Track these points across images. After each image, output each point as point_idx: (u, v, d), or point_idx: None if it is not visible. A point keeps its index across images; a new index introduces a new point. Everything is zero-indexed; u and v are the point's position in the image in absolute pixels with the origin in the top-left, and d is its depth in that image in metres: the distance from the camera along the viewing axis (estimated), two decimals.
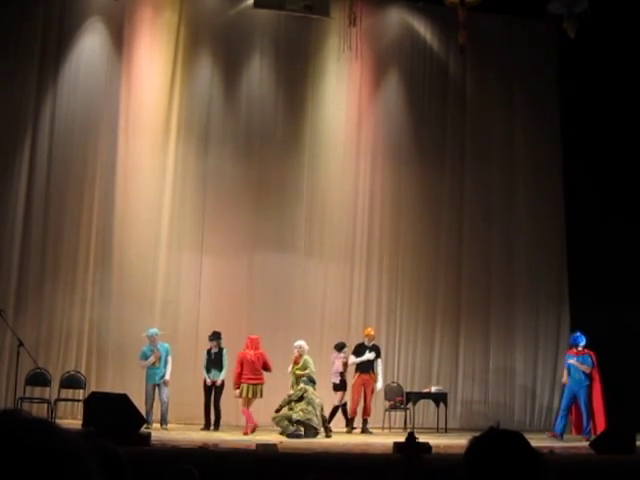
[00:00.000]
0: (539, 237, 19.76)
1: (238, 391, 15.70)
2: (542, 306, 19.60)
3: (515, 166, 20.03)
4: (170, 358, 16.20)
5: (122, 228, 17.82)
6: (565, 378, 16.58)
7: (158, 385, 16.06)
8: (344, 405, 17.04)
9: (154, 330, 16.22)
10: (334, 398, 16.82)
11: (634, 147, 18.85)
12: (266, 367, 15.73)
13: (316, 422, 15.20)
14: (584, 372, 16.16)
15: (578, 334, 16.68)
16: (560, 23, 16.89)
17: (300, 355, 15.85)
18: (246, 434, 15.19)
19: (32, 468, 1.38)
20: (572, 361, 16.34)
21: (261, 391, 15.63)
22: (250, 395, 15.56)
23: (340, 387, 16.91)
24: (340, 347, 17.16)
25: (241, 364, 15.71)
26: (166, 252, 18.01)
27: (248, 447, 11.53)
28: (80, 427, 11.98)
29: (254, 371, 15.61)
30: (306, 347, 15.97)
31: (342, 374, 17.02)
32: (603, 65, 18.84)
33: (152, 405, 15.88)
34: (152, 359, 15.97)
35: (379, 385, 17.09)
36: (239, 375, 15.69)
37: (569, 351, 16.74)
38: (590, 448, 12.35)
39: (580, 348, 16.34)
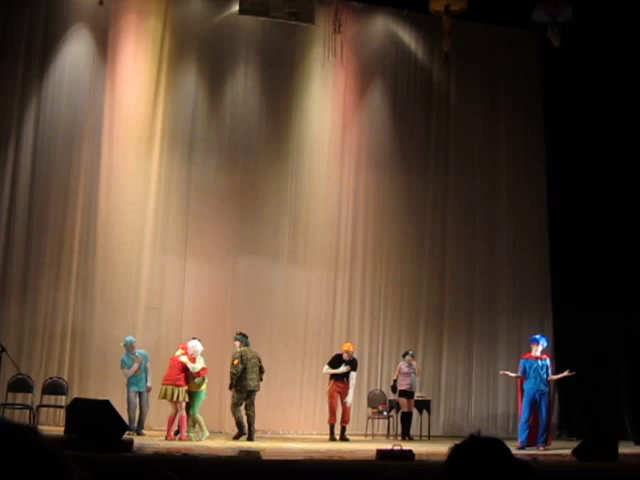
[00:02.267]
0: (522, 244, 19.83)
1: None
2: (525, 313, 19.64)
3: (499, 172, 20.10)
4: (149, 364, 16.16)
5: (105, 234, 17.77)
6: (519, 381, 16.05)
7: (140, 393, 16.00)
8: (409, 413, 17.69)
9: (131, 338, 16.17)
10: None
11: (617, 153, 18.96)
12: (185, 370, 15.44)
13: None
14: (546, 378, 15.70)
15: (541, 335, 16.23)
16: (544, 32, 16.96)
17: (194, 357, 15.55)
18: (180, 438, 15.04)
19: (14, 471, 1.39)
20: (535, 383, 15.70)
21: (177, 394, 15.13)
22: (162, 396, 15.28)
23: (401, 394, 17.56)
24: (404, 355, 18.01)
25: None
26: (149, 258, 17.97)
27: (231, 454, 11.51)
28: (62, 434, 11.94)
29: (171, 373, 15.35)
30: (200, 348, 15.66)
31: (395, 381, 17.77)
32: (587, 73, 18.95)
33: (135, 412, 15.83)
34: (136, 366, 15.90)
35: (349, 399, 16.91)
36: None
37: (526, 355, 15.98)
38: (573, 456, 12.36)
39: (539, 353, 15.75)
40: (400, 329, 19.27)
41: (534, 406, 15.55)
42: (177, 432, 15.24)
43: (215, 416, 16.76)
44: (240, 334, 16.15)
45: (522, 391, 15.84)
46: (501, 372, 17.05)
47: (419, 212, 19.63)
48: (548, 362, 15.84)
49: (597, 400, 18.49)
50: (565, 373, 16.26)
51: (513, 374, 16.30)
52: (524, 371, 15.76)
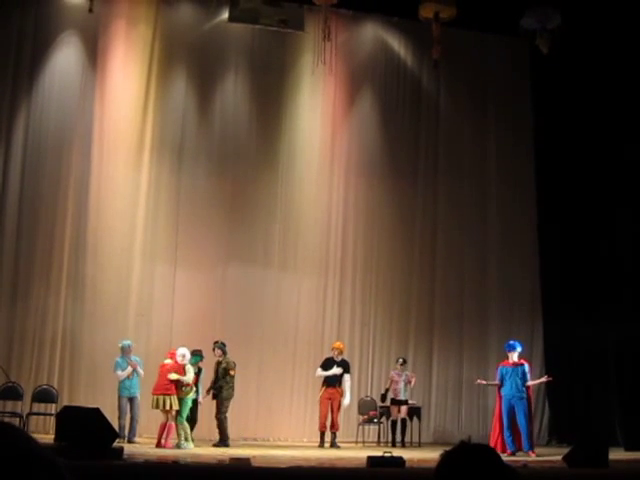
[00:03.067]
0: (512, 250, 19.82)
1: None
2: (515, 320, 19.63)
3: (488, 180, 20.12)
4: (142, 371, 16.09)
5: (95, 241, 17.74)
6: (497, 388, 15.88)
7: (131, 399, 15.95)
8: (402, 420, 17.49)
9: (128, 341, 16.17)
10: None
11: (608, 159, 18.96)
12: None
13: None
14: (523, 384, 15.48)
15: (514, 341, 16.07)
16: (533, 39, 17.00)
17: (184, 366, 15.42)
18: (163, 446, 14.88)
19: (5, 470, 1.38)
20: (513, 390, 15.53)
21: (169, 403, 14.99)
22: (154, 406, 15.19)
23: (391, 402, 17.51)
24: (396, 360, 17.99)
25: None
26: (139, 266, 17.94)
27: (221, 461, 11.49)
28: (52, 441, 11.89)
29: (160, 382, 15.25)
30: (188, 355, 15.50)
31: (386, 390, 17.68)
32: (576, 80, 18.98)
33: (126, 419, 15.76)
34: (130, 369, 15.87)
35: (346, 401, 16.97)
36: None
37: (503, 362, 15.87)
38: (563, 462, 12.33)
39: (515, 358, 15.63)
40: (390, 336, 19.26)
41: (511, 412, 15.43)
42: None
43: (205, 424, 16.71)
44: (221, 343, 16.10)
45: (500, 398, 15.82)
46: (477, 381, 17.00)
47: (409, 218, 19.63)
48: (526, 368, 15.71)
49: (587, 406, 18.50)
50: (542, 379, 16.32)
51: (487, 382, 16.33)
52: (501, 378, 15.69)
